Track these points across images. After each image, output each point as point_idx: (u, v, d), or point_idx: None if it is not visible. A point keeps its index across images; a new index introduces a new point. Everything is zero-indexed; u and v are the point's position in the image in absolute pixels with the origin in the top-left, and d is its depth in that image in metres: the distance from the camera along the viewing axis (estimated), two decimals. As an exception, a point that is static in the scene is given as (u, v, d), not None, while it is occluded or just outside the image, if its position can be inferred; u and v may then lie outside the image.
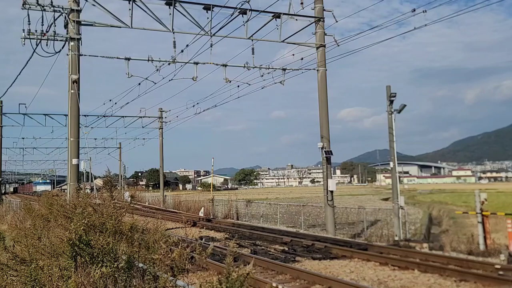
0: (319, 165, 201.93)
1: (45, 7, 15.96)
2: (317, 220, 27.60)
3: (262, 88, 22.07)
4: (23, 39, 16.06)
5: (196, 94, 32.63)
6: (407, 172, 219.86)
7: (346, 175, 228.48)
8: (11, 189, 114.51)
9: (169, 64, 19.86)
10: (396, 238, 17.84)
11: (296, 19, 19.70)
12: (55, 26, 16.33)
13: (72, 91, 16.83)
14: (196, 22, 17.84)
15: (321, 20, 20.02)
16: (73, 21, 16.69)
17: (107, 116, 36.73)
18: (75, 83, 16.78)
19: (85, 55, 17.60)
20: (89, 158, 22.84)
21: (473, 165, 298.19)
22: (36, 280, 5.61)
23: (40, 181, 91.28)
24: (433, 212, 38.71)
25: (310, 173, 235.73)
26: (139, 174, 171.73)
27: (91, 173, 45.30)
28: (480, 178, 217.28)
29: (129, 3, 17.07)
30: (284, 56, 22.14)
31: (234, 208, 30.62)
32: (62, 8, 16.46)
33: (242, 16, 18.32)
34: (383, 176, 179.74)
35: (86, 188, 26.62)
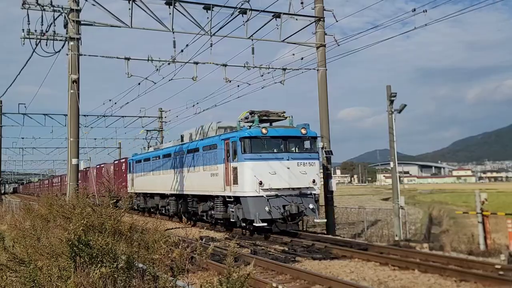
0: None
1: (44, 7, 15.95)
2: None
3: (262, 88, 22.08)
4: (23, 39, 16.06)
5: (196, 94, 32.59)
6: (407, 172, 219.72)
7: (346, 175, 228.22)
8: (11, 189, 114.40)
9: (169, 64, 19.86)
10: (396, 238, 17.82)
11: (296, 19, 19.70)
12: (54, 26, 16.35)
13: (71, 91, 16.82)
14: (196, 22, 17.85)
15: (321, 19, 20.01)
16: (73, 21, 16.68)
17: (107, 116, 36.73)
18: (74, 83, 16.76)
19: (84, 55, 17.61)
20: (89, 158, 22.87)
21: (473, 165, 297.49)
22: (35, 281, 5.59)
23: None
24: (433, 212, 38.61)
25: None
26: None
27: (92, 173, 45.22)
28: (480, 178, 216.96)
29: (129, 3, 17.06)
30: (284, 56, 22.12)
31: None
32: (62, 8, 16.45)
33: (242, 15, 18.31)
34: (383, 176, 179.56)
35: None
